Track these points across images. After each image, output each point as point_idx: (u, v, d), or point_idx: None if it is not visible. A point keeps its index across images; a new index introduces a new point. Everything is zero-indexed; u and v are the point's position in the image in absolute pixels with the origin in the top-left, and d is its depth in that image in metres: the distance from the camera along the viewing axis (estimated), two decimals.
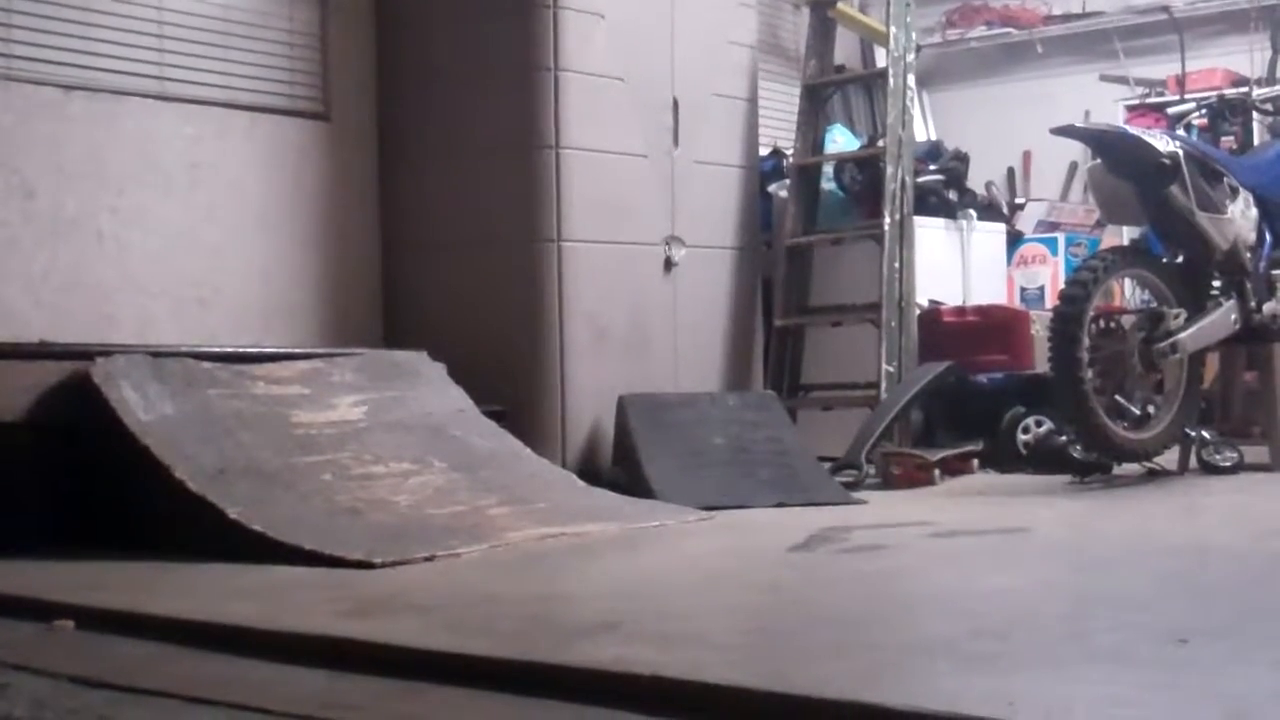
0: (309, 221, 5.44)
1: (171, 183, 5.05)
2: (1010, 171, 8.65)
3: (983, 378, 6.06)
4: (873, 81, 7.44)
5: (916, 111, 7.05)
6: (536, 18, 5.35)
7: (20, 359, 4.13)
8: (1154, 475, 5.22)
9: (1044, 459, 5.55)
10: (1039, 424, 5.70)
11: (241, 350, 4.64)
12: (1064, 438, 5.43)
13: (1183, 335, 5.11)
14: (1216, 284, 5.38)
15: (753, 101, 6.22)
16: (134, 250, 4.93)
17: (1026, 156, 8.68)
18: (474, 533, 3.91)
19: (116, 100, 4.92)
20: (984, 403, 5.89)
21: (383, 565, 3.54)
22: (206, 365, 4.33)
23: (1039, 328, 6.08)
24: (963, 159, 7.11)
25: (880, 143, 6.44)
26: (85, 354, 4.14)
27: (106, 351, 4.16)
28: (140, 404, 3.99)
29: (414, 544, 3.72)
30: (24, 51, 4.71)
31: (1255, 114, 6.15)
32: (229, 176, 5.22)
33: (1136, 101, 8.17)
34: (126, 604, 3.07)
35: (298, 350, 4.80)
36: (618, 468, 5.15)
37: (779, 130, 7.26)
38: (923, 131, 8.16)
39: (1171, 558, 3.54)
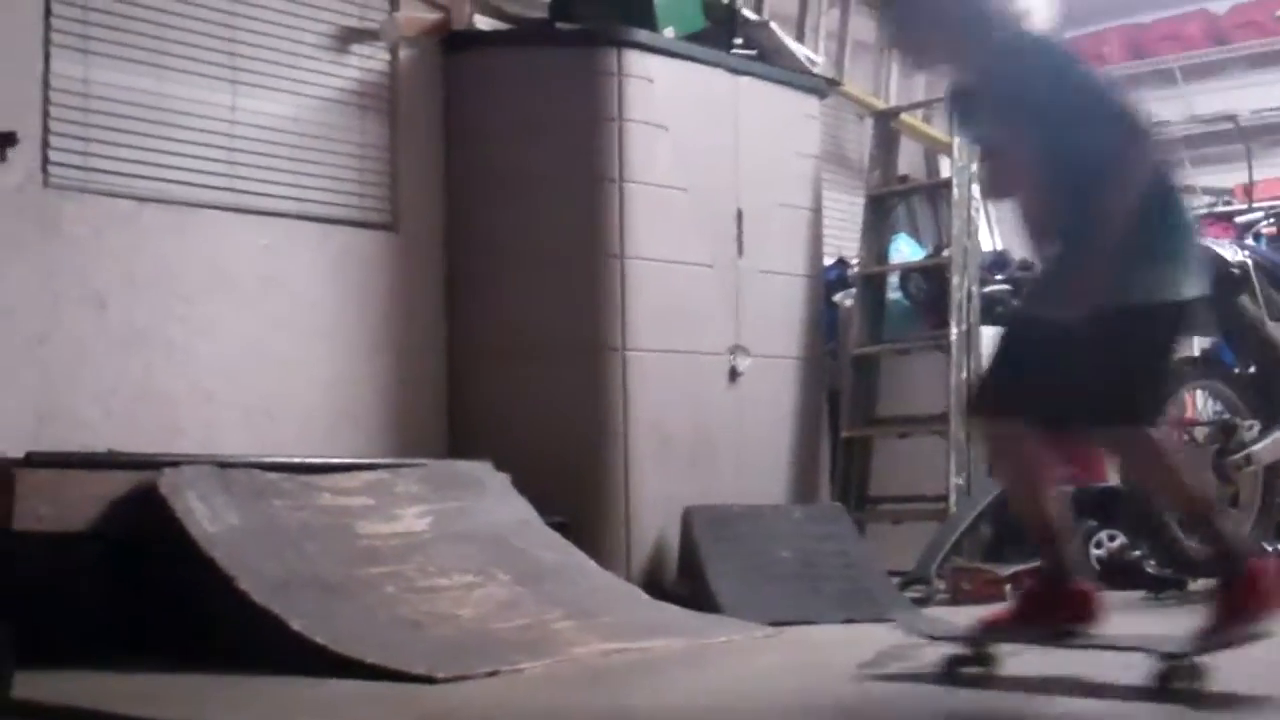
0: (376, 331, 5.47)
1: (242, 293, 5.09)
2: None
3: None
4: (937, 191, 7.45)
5: (981, 221, 7.02)
6: (602, 131, 5.40)
7: (89, 469, 4.15)
8: None
9: (1117, 574, 5.45)
10: (1112, 538, 5.60)
11: (307, 461, 4.64)
12: (1138, 553, 5.33)
13: (1257, 447, 5.04)
14: None
15: (817, 211, 6.23)
16: (203, 361, 4.95)
17: None
18: (538, 647, 3.87)
19: (189, 212, 4.97)
20: None
21: (445, 680, 3.51)
22: (272, 476, 4.34)
23: None
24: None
25: (945, 252, 6.43)
26: (153, 464, 4.16)
27: (174, 462, 4.18)
28: (206, 515, 3.99)
29: (477, 658, 3.69)
30: (100, 165, 4.78)
31: None
32: (298, 287, 5.25)
33: (1204, 210, 8.10)
34: (184, 716, 3.05)
35: (363, 461, 4.81)
36: (683, 581, 5.10)
37: (843, 239, 7.26)
38: (988, 241, 8.12)
39: (1251, 677, 3.44)
